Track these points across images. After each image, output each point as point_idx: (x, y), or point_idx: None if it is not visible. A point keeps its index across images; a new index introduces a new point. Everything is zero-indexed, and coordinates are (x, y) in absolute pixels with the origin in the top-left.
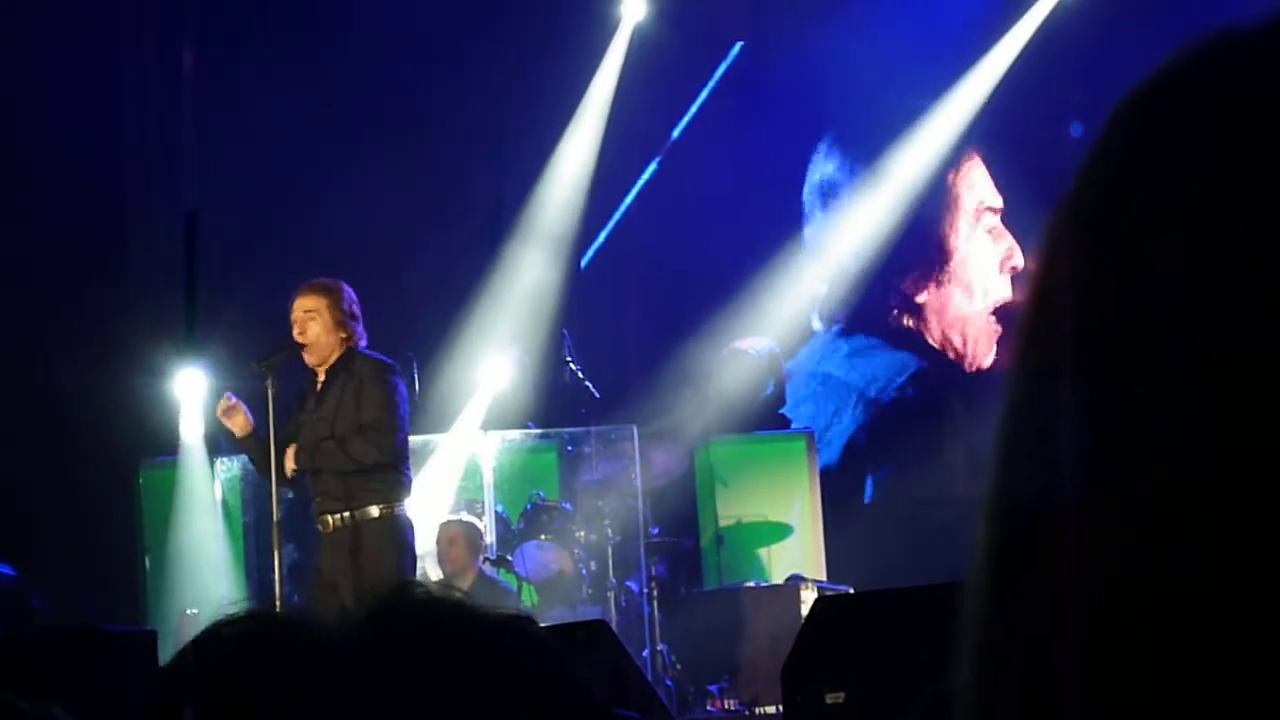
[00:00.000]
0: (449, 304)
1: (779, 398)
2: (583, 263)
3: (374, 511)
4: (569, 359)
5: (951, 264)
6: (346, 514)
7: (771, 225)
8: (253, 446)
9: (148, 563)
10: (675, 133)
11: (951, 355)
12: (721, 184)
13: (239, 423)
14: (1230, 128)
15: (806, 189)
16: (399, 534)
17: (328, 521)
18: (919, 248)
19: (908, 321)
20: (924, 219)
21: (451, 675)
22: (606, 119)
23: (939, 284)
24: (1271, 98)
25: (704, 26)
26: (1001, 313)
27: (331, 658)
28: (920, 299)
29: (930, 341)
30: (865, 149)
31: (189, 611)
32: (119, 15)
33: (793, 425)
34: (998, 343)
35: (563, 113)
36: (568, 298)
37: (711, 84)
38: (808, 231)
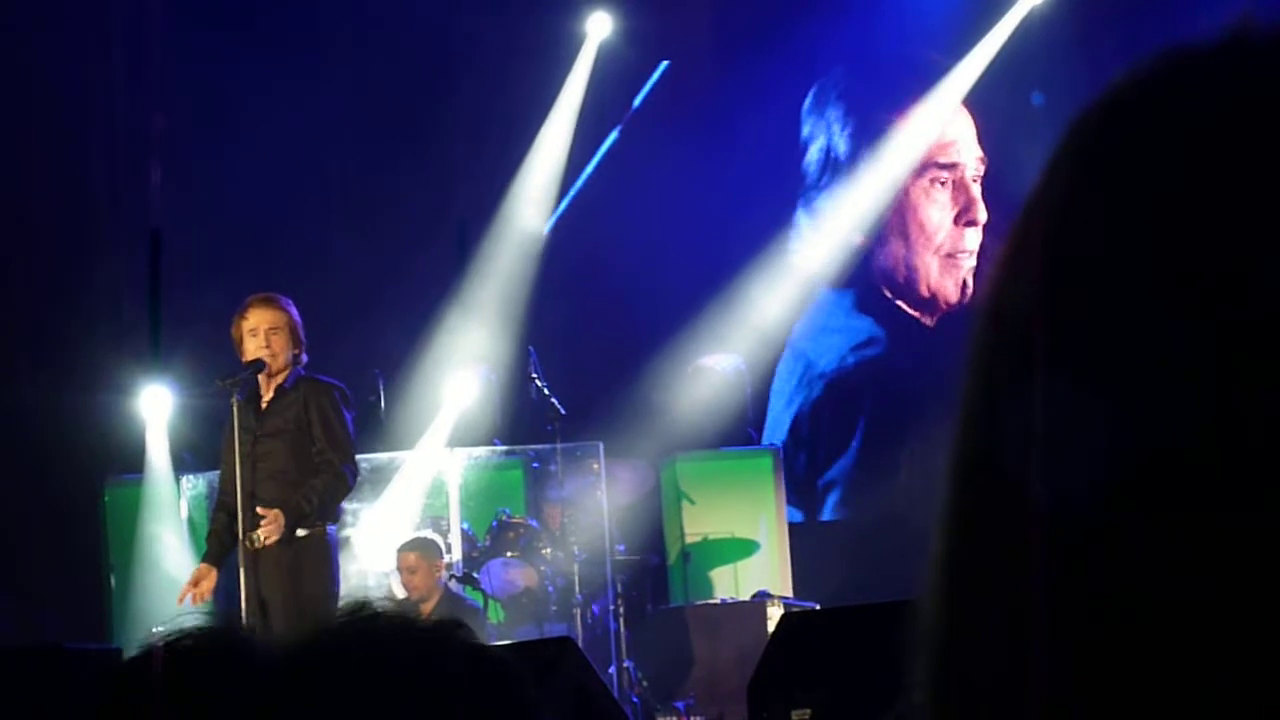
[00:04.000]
0: (415, 321)
1: (744, 414)
2: (549, 279)
3: (306, 529)
4: (535, 375)
5: (895, 211)
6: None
7: (739, 241)
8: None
9: (113, 581)
10: (641, 149)
11: (912, 306)
12: (688, 199)
13: (210, 584)
14: (1180, 144)
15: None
16: (331, 553)
17: (258, 538)
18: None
19: (872, 280)
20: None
21: (391, 691)
22: (572, 135)
23: (888, 232)
24: (1219, 113)
25: (670, 43)
26: (959, 256)
27: (273, 675)
28: (871, 248)
29: (890, 296)
30: (841, 163)
31: (154, 630)
32: (85, 27)
33: (762, 441)
34: (964, 283)
35: (528, 129)
36: (533, 314)
37: (676, 99)
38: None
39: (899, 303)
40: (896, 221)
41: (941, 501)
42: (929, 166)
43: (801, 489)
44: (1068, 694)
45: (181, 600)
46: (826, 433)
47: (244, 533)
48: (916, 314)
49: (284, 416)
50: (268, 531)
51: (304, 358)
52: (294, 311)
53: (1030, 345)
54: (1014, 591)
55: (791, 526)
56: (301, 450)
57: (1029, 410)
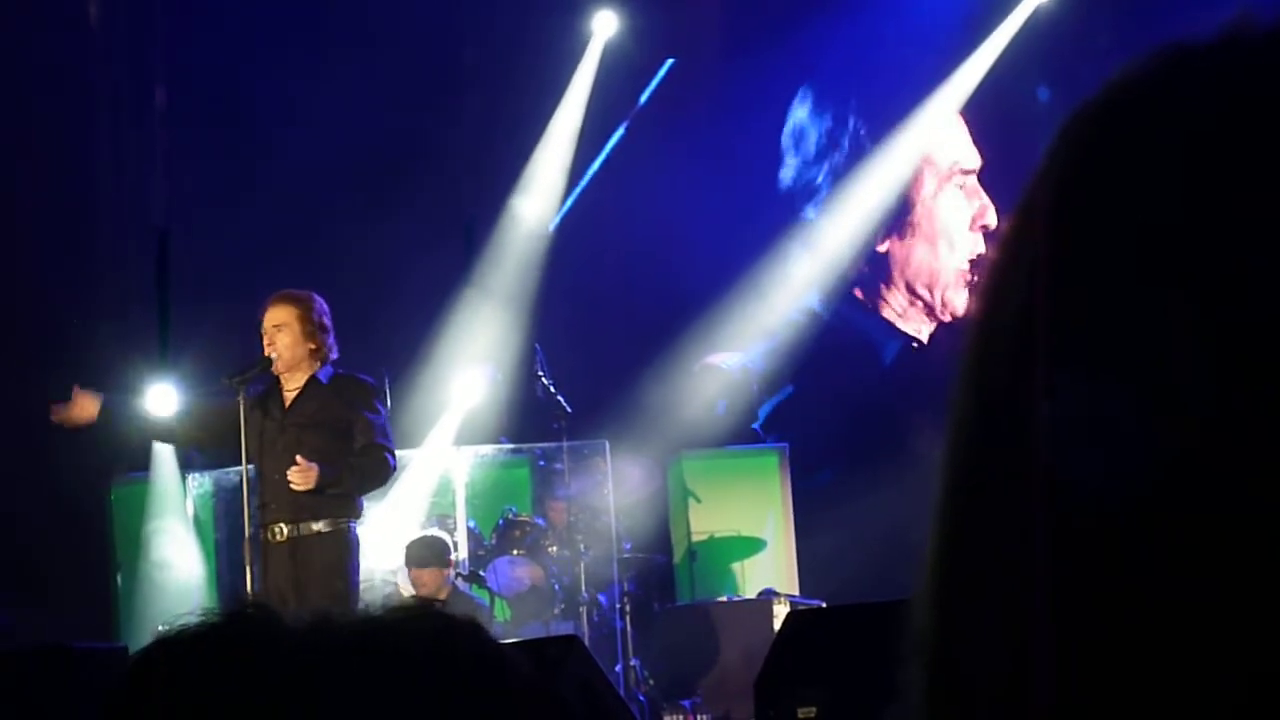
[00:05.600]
0: (421, 319)
1: (751, 412)
2: (555, 277)
3: (330, 525)
4: (541, 374)
5: (915, 217)
6: (302, 525)
7: (746, 238)
8: (110, 421)
9: (120, 579)
10: (647, 146)
11: (919, 310)
12: (694, 196)
13: (84, 412)
14: (1179, 142)
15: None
16: (351, 550)
17: (280, 531)
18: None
19: (871, 291)
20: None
21: (402, 683)
22: (578, 133)
23: (903, 237)
24: (1218, 112)
25: (676, 40)
26: (974, 265)
27: (291, 659)
28: (883, 250)
29: (893, 311)
30: (843, 158)
31: (161, 628)
32: (90, 29)
33: (766, 440)
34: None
35: (534, 127)
36: (540, 312)
37: (682, 97)
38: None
39: (891, 307)
40: (909, 224)
41: (934, 504)
42: (953, 172)
43: None
44: (1070, 696)
45: (57, 418)
46: (796, 436)
47: (261, 524)
48: (910, 322)
49: (313, 407)
50: (295, 478)
51: (332, 354)
52: (308, 306)
53: (1026, 347)
54: (1008, 593)
55: (798, 525)
56: (331, 442)
57: (1025, 412)
